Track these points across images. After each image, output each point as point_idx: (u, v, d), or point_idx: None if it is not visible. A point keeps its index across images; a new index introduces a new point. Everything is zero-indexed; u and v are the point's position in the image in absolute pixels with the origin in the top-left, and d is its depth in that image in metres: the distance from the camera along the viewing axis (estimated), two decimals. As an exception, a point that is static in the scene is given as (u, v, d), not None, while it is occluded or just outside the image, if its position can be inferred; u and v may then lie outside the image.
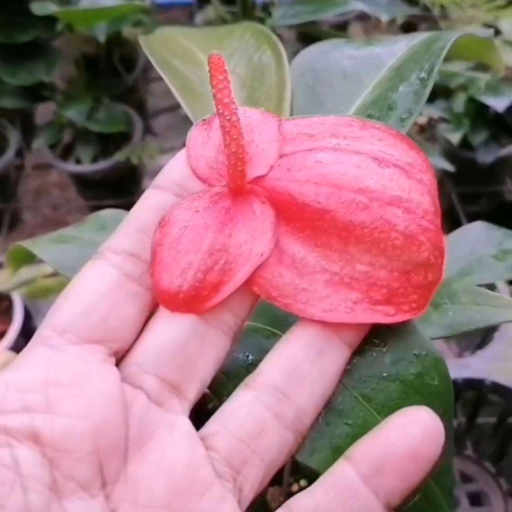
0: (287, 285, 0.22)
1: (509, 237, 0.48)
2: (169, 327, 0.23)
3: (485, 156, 1.03)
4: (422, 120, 1.10)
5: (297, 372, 0.22)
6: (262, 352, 0.24)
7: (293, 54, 0.39)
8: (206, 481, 0.21)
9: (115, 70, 1.25)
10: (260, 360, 0.23)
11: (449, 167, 0.94)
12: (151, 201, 0.24)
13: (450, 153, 1.07)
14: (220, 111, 0.22)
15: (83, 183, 1.25)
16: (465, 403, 0.76)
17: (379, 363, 0.24)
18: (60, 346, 0.22)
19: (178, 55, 0.40)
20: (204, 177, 0.24)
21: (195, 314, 0.23)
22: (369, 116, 0.33)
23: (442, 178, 1.19)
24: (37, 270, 0.76)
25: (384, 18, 0.90)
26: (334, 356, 0.23)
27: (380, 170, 0.23)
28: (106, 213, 0.42)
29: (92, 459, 0.20)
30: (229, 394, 0.23)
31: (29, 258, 0.45)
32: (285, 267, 0.23)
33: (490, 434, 0.74)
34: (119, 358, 0.23)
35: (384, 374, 0.24)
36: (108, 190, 1.22)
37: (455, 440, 0.23)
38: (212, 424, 0.23)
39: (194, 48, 0.42)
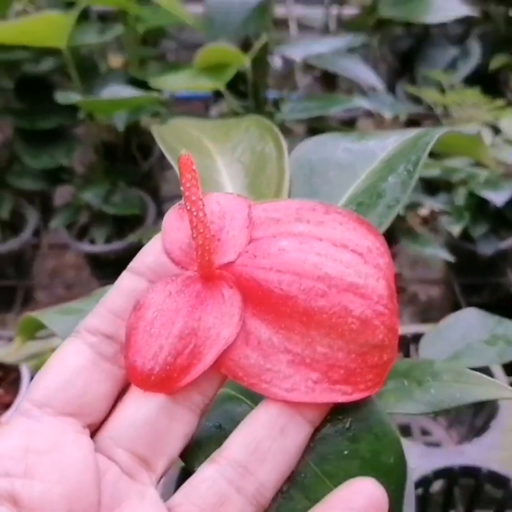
0: (253, 366, 0.24)
1: (501, 324, 0.50)
2: (140, 406, 0.24)
3: (486, 248, 1.05)
4: (425, 212, 1.13)
5: (259, 449, 0.23)
6: (233, 422, 0.25)
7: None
8: None
9: (133, 157, 1.29)
10: (231, 431, 0.24)
11: (449, 258, 0.97)
12: (125, 285, 0.26)
13: (451, 244, 1.10)
14: (188, 208, 0.24)
15: (96, 263, 1.28)
16: (464, 493, 0.73)
17: (340, 441, 0.25)
18: (38, 417, 0.23)
19: (187, 144, 0.43)
20: (177, 260, 0.25)
21: (166, 394, 0.24)
22: (360, 203, 0.35)
23: (446, 269, 1.21)
24: (46, 344, 0.78)
25: (388, 115, 0.94)
26: (295, 434, 0.24)
27: (339, 256, 0.24)
28: (112, 288, 0.44)
29: None
30: (200, 464, 0.24)
31: (38, 328, 0.48)
32: (251, 349, 0.24)
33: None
34: (94, 430, 0.24)
35: (345, 452, 0.24)
36: (119, 270, 1.24)
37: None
38: (178, 495, 0.24)
39: (203, 138, 0.44)
